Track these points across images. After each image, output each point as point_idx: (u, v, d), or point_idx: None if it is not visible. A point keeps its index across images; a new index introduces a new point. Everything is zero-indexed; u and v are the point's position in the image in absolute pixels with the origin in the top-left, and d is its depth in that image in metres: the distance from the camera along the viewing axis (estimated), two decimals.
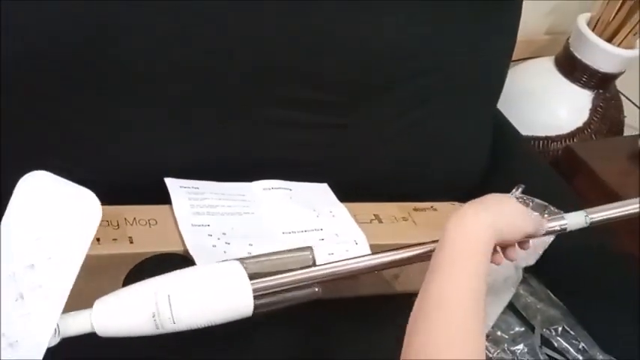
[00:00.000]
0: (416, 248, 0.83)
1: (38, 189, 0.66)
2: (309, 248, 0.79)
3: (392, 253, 0.83)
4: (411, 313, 0.67)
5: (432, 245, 0.81)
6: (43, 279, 0.64)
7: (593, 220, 0.88)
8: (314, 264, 0.78)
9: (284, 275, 0.75)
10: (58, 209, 0.66)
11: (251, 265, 0.73)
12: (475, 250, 0.70)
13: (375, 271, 0.82)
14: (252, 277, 0.72)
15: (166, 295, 0.68)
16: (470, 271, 0.69)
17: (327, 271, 0.78)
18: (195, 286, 0.70)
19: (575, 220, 0.88)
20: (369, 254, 0.82)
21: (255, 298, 0.71)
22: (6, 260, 0.64)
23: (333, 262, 0.79)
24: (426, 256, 0.81)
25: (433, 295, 0.67)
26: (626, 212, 0.91)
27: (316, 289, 0.76)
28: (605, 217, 0.89)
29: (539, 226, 0.83)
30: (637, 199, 0.92)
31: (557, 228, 0.87)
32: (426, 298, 0.67)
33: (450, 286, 0.67)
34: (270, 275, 0.74)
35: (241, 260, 0.73)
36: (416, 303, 0.68)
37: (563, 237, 1.13)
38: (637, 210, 0.91)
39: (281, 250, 0.79)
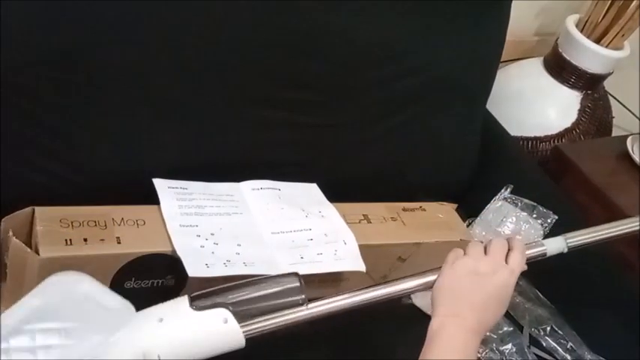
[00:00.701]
0: (405, 281, 0.82)
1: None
2: (296, 275, 0.76)
3: (382, 286, 0.82)
4: None
5: (424, 279, 0.81)
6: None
7: (572, 244, 0.89)
8: (303, 290, 0.75)
9: (275, 315, 0.73)
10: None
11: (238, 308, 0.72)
12: (465, 349, 0.74)
13: (365, 306, 0.81)
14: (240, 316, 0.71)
15: (156, 354, 0.66)
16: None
17: (319, 309, 0.76)
18: (185, 341, 0.69)
19: (555, 245, 0.88)
20: (359, 289, 0.81)
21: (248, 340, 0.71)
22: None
23: (324, 300, 0.77)
24: (419, 289, 0.82)
25: None
26: (604, 237, 0.92)
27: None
28: (583, 242, 0.90)
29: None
30: (613, 223, 0.93)
31: (537, 253, 0.88)
32: None
33: None
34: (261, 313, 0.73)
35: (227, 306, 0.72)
36: None
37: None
38: (615, 234, 0.93)
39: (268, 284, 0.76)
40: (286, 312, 0.74)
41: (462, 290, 0.77)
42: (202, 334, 0.70)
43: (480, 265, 0.79)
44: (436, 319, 0.76)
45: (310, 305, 0.75)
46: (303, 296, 0.75)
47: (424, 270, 0.82)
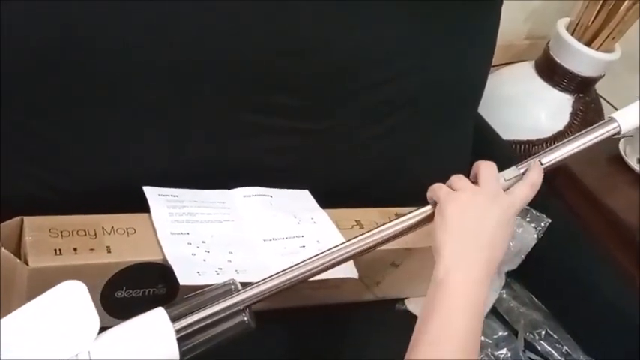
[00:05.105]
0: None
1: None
2: (232, 280, 0.74)
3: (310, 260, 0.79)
4: (409, 349, 0.68)
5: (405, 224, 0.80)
6: None
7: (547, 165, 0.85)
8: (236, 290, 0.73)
9: (207, 308, 0.70)
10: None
11: (177, 310, 0.69)
12: (476, 293, 0.71)
13: (300, 282, 0.77)
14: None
15: (86, 352, 0.63)
16: (469, 311, 0.69)
17: (249, 293, 0.73)
18: (116, 338, 0.66)
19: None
20: (284, 269, 0.78)
21: (182, 339, 0.67)
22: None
23: (253, 284, 0.74)
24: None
25: (432, 333, 0.68)
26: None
27: (245, 319, 0.71)
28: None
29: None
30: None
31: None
32: (425, 336, 0.68)
33: (450, 327, 0.68)
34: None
35: (166, 306, 0.69)
36: (413, 339, 0.68)
37: (545, 241, 1.14)
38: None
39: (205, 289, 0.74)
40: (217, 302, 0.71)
41: (465, 232, 0.73)
42: (133, 329, 0.67)
43: (476, 200, 0.75)
44: (441, 264, 0.72)
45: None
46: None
47: (418, 276, 0.81)
